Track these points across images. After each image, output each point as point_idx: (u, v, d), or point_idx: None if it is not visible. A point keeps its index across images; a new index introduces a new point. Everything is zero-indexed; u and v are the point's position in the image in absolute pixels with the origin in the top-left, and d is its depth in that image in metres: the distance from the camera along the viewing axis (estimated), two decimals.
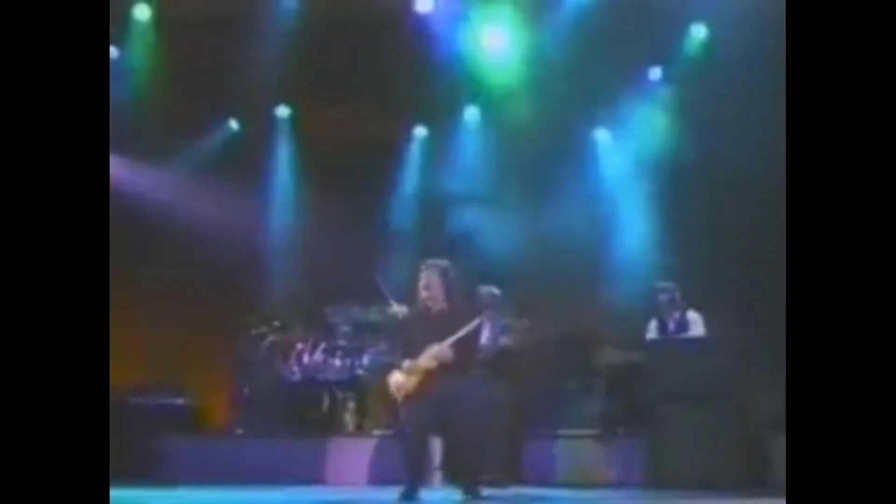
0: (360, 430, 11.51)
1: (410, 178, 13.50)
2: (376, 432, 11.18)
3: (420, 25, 12.32)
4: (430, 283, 8.56)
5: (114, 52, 12.14)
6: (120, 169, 12.79)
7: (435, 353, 8.09)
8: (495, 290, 10.15)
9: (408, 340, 8.36)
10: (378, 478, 10.45)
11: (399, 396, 8.51)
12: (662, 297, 10.39)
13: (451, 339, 8.12)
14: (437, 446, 9.61)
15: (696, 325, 10.29)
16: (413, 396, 8.45)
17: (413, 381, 8.22)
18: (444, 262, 8.62)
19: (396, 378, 8.28)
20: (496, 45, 12.71)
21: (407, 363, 8.16)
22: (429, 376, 8.37)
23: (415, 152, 13.81)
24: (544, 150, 12.75)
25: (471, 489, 8.56)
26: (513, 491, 9.63)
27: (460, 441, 8.64)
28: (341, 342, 11.99)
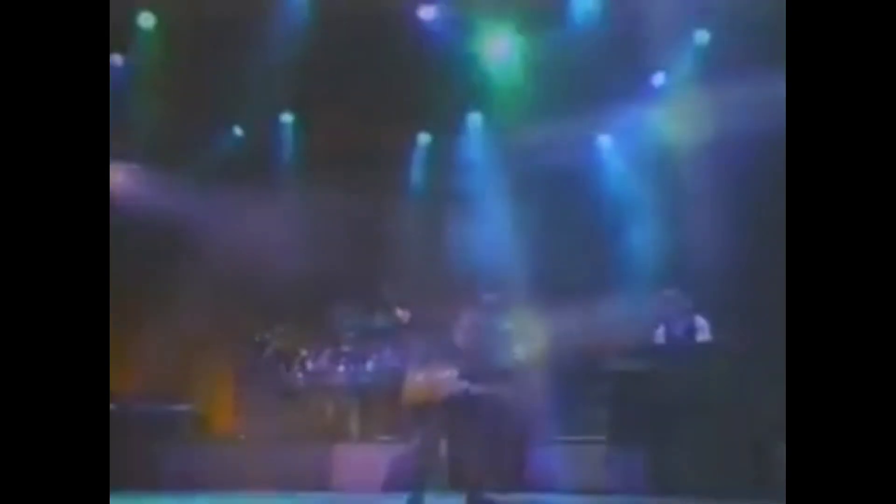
0: (365, 436, 11.48)
1: (414, 184, 13.99)
2: (381, 438, 11.18)
3: (424, 32, 12.35)
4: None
5: (118, 60, 12.21)
6: (124, 177, 12.85)
7: (445, 379, 8.45)
8: (495, 296, 10.20)
9: (417, 348, 8.50)
10: (383, 484, 10.38)
11: (412, 404, 8.59)
12: (669, 305, 10.43)
13: (464, 368, 8.35)
14: (443, 453, 9.66)
15: (704, 331, 10.32)
16: (423, 405, 8.52)
17: (426, 392, 8.52)
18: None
19: (412, 387, 8.63)
20: (499, 51, 12.75)
21: (421, 376, 8.19)
22: (440, 388, 8.45)
23: (419, 159, 13.93)
24: (547, 155, 12.78)
25: (476, 495, 8.60)
26: (518, 497, 9.67)
27: (467, 447, 8.69)
28: (345, 348, 11.99)
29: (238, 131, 13.85)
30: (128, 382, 11.23)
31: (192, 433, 11.62)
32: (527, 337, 10.19)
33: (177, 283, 13.04)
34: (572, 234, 12.52)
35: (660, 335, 10.53)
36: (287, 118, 13.79)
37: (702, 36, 12.60)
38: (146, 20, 12.46)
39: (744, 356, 9.80)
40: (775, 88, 5.01)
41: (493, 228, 12.72)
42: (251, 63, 12.28)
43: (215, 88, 12.60)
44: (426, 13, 12.37)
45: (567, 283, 12.75)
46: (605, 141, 13.63)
